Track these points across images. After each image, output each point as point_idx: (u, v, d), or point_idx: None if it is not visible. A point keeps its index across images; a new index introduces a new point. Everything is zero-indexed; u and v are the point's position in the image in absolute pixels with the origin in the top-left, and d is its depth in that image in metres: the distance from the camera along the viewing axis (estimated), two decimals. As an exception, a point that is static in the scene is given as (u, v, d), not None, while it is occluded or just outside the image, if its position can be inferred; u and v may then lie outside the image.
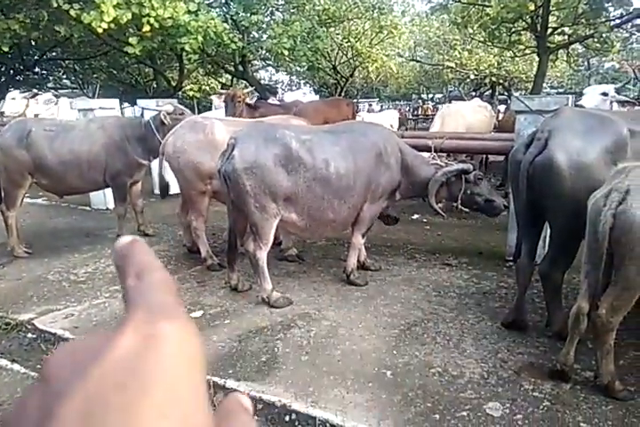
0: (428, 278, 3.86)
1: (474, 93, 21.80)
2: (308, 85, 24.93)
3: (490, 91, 21.71)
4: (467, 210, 3.72)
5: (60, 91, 19.35)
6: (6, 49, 9.61)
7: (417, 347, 2.84)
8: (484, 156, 6.85)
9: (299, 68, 17.17)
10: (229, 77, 16.08)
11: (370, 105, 28.11)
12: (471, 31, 13.26)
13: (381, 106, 30.20)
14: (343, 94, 17.20)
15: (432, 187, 3.55)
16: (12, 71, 15.16)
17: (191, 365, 0.28)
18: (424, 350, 2.80)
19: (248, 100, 7.37)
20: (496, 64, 16.89)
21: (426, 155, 4.03)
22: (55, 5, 8.08)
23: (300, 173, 3.33)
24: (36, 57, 14.57)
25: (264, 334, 3.06)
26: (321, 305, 3.44)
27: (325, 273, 4.06)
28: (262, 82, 19.03)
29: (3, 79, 14.99)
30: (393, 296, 3.54)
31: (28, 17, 8.92)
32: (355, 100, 22.98)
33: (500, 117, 8.47)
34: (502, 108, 14.73)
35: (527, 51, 11.95)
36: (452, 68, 16.94)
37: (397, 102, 33.44)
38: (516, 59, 15.43)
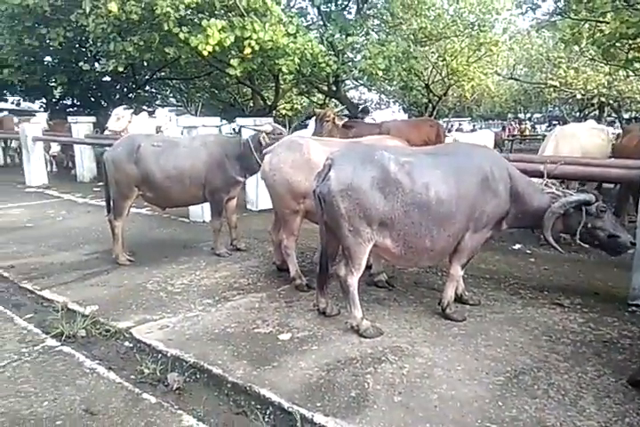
0: (537, 320, 3.47)
1: (578, 114, 20.40)
2: (397, 104, 24.81)
3: (597, 112, 20.17)
4: (586, 246, 3.32)
5: (166, 108, 20.92)
6: (122, 69, 10.53)
7: (526, 400, 2.51)
8: (598, 182, 6.23)
9: (388, 88, 17.12)
10: (321, 96, 16.39)
11: (460, 124, 27.32)
12: (579, 48, 12.41)
13: (474, 125, 29.26)
14: (435, 113, 16.84)
15: (548, 219, 3.20)
16: (125, 89, 16.62)
17: None
18: (535, 405, 2.47)
19: (337, 121, 7.36)
20: (606, 83, 15.64)
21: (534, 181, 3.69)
22: (166, 28, 8.71)
23: (398, 197, 3.16)
24: (146, 77, 15.86)
25: (353, 365, 2.89)
26: (414, 339, 3.21)
27: (418, 303, 3.82)
28: (352, 101, 19.21)
29: (117, 97, 16.47)
30: (496, 337, 3.21)
31: (141, 39, 9.69)
32: (446, 119, 22.51)
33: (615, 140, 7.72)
34: (611, 130, 13.55)
35: (648, 69, 10.92)
36: (555, 87, 15.95)
37: (491, 121, 32.20)
38: (630, 78, 14.19)
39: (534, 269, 4.67)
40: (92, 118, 11.23)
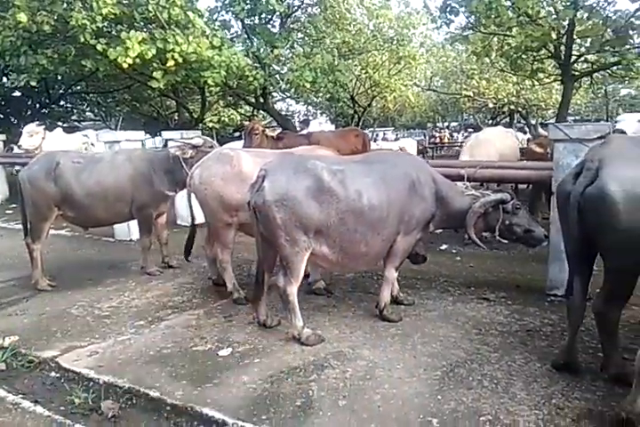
0: (466, 314, 3.66)
1: (491, 122, 21.84)
2: (324, 115, 25.28)
3: (508, 119, 21.71)
4: (505, 241, 3.56)
5: (83, 123, 19.91)
6: (34, 83, 9.90)
7: (463, 391, 2.64)
8: (514, 184, 6.69)
9: (315, 99, 17.44)
10: (249, 109, 16.36)
11: (384, 133, 28.30)
12: (489, 60, 13.31)
13: (396, 134, 30.43)
14: (361, 124, 17.34)
15: (470, 219, 3.41)
16: (37, 105, 15.66)
17: None
18: (471, 396, 2.60)
19: (269, 133, 7.39)
20: (515, 92, 16.92)
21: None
22: (82, 41, 8.33)
23: (332, 205, 3.23)
24: (61, 91, 15.05)
25: (297, 374, 2.89)
26: (355, 343, 3.27)
27: (356, 308, 3.89)
28: (280, 112, 19.34)
29: (29, 112, 15.47)
30: (431, 334, 3.34)
31: (55, 52, 9.19)
32: (371, 129, 23.26)
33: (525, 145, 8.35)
34: (520, 135, 14.64)
35: (550, 79, 11.92)
36: (469, 96, 17.02)
37: (412, 130, 33.66)
38: (536, 87, 15.44)
39: (460, 267, 4.93)
40: (2, 136, 10.46)
